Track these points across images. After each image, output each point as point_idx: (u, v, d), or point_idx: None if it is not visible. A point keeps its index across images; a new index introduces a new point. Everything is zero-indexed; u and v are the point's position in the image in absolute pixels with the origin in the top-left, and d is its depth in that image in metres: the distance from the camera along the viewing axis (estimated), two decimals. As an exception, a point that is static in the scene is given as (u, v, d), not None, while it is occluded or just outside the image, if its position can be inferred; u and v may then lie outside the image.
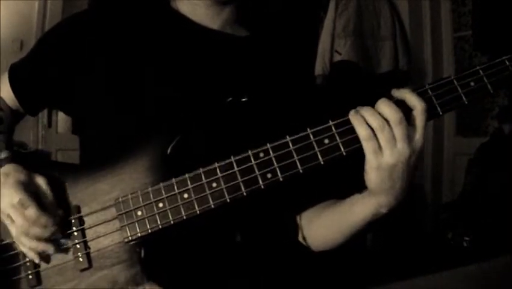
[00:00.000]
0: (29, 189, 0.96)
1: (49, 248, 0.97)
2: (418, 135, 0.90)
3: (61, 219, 0.97)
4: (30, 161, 1.03)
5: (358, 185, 1.00)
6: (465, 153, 3.56)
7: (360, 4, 3.68)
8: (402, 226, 3.31)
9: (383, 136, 0.88)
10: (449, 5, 3.97)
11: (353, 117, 0.90)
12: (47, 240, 0.96)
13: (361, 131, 0.89)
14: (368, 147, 0.89)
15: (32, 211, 0.94)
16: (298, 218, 1.12)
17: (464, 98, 0.92)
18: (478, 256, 2.74)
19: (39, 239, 0.95)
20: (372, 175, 0.91)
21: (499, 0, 3.24)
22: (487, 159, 3.22)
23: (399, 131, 0.88)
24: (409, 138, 0.89)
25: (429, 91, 0.92)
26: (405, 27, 3.93)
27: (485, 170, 3.18)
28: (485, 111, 3.78)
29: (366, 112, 0.90)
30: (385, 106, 0.89)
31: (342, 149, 0.91)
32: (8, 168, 0.98)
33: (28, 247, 0.97)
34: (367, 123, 0.89)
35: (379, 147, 0.89)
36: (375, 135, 0.89)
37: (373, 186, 0.92)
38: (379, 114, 0.89)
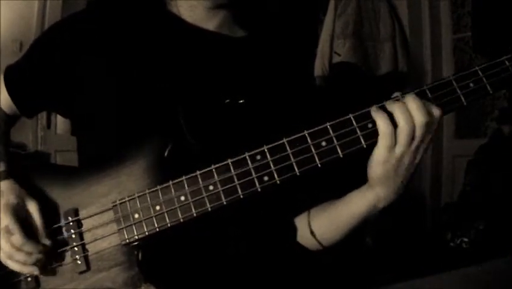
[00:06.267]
0: (19, 213, 0.97)
1: (34, 272, 0.97)
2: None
3: (48, 249, 0.97)
4: (29, 162, 1.03)
5: (355, 187, 1.00)
6: (464, 154, 3.56)
7: (359, 5, 3.68)
8: (401, 227, 3.31)
9: (404, 135, 0.88)
10: (448, 6, 3.97)
11: (375, 111, 0.90)
12: (32, 264, 0.96)
13: (383, 126, 0.89)
14: (384, 142, 0.89)
15: (17, 238, 0.94)
16: (305, 215, 1.12)
17: (463, 99, 0.90)
18: (477, 257, 2.74)
19: (24, 264, 0.96)
20: (377, 168, 0.92)
21: (498, 2, 3.23)
22: (486, 160, 3.22)
23: (420, 134, 0.89)
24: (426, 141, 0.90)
25: (427, 92, 0.91)
26: (404, 28, 3.92)
27: (484, 171, 3.18)
28: (484, 114, 3.78)
29: (397, 108, 0.89)
30: (416, 108, 0.88)
31: (339, 152, 0.91)
32: (3, 186, 0.98)
33: (13, 269, 0.97)
34: (390, 118, 0.89)
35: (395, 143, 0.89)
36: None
37: (376, 178, 0.93)
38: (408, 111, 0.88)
